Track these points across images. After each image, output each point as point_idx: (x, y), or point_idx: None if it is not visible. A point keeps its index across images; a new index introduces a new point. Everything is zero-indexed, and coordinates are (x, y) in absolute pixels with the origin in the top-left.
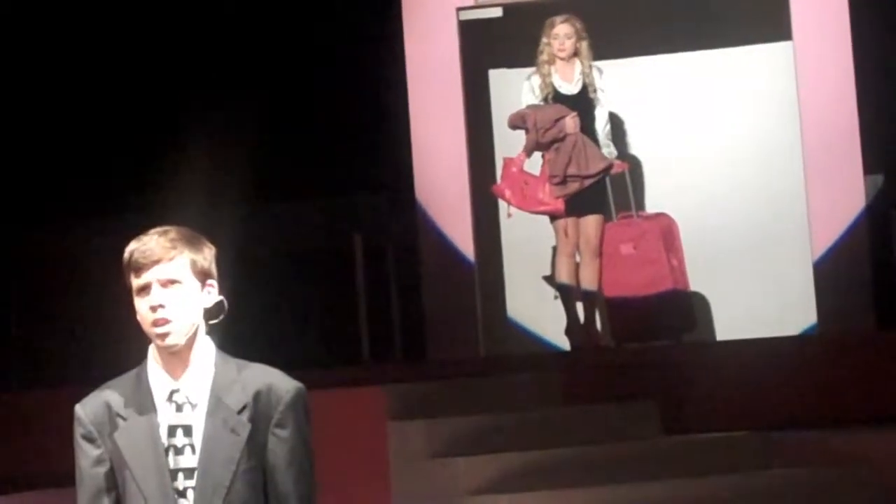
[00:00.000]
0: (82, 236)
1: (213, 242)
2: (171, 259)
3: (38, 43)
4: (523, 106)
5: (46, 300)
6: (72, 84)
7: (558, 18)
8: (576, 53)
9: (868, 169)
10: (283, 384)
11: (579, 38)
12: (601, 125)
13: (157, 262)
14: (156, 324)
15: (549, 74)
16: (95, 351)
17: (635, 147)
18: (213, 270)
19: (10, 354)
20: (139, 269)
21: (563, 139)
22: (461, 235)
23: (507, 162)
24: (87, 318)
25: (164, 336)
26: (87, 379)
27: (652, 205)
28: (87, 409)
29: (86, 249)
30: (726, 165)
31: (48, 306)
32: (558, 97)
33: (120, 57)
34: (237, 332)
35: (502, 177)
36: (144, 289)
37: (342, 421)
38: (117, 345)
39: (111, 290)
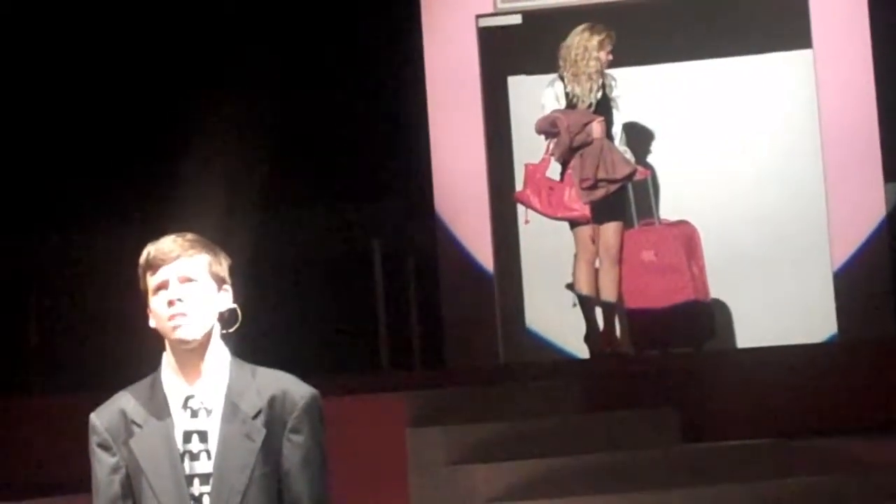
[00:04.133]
0: (100, 243)
1: (232, 249)
2: (190, 256)
3: (53, 53)
4: (545, 112)
5: (64, 306)
6: (91, 94)
7: (608, 35)
8: None
9: (888, 177)
10: (297, 390)
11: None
12: (617, 132)
13: (176, 258)
14: (172, 318)
15: (579, 82)
16: (114, 357)
17: (656, 154)
18: (228, 278)
19: (29, 360)
20: (157, 266)
21: (589, 143)
22: (480, 243)
23: (531, 168)
24: (106, 324)
25: (178, 327)
26: (105, 385)
27: (672, 212)
28: (102, 418)
29: (103, 256)
30: (746, 173)
31: (66, 312)
32: (581, 105)
33: (137, 65)
34: (256, 339)
35: (526, 183)
36: (162, 286)
37: (361, 428)
38: (136, 351)
39: (130, 297)
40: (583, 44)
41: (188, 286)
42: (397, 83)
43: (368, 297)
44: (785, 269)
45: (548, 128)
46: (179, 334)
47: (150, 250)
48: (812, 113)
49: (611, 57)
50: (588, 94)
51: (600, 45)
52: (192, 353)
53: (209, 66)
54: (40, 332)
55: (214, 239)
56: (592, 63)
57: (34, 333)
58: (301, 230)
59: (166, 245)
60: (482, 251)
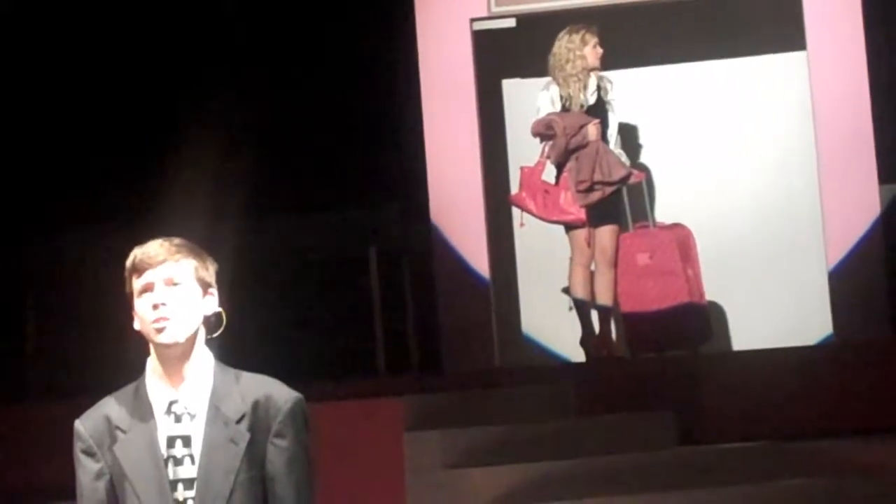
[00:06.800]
0: (100, 247)
1: (227, 254)
2: (176, 261)
3: (46, 58)
4: (540, 116)
5: (64, 312)
6: (87, 96)
7: (587, 30)
8: None
9: (883, 178)
10: (281, 394)
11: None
12: (612, 135)
13: (162, 262)
14: (155, 321)
15: (569, 85)
16: (113, 362)
17: (651, 157)
18: (214, 283)
19: (27, 366)
20: (143, 269)
21: (585, 146)
22: (475, 246)
23: (526, 171)
24: (105, 329)
25: (161, 330)
26: (104, 391)
27: (667, 215)
28: (86, 424)
29: (103, 261)
30: (741, 175)
31: (65, 318)
32: (574, 107)
33: (129, 69)
34: (252, 344)
35: (521, 186)
36: (146, 288)
37: (358, 432)
38: (132, 356)
39: (124, 302)
40: (565, 46)
41: (173, 290)
42: (392, 87)
43: (364, 301)
44: (780, 271)
45: (543, 130)
46: (162, 338)
47: (137, 254)
48: (806, 114)
49: (600, 50)
50: (579, 94)
51: (582, 42)
52: (175, 358)
53: (203, 70)
54: (36, 337)
55: (209, 244)
56: (579, 63)
57: (33, 339)
58: (296, 235)
59: (152, 249)
60: (478, 255)
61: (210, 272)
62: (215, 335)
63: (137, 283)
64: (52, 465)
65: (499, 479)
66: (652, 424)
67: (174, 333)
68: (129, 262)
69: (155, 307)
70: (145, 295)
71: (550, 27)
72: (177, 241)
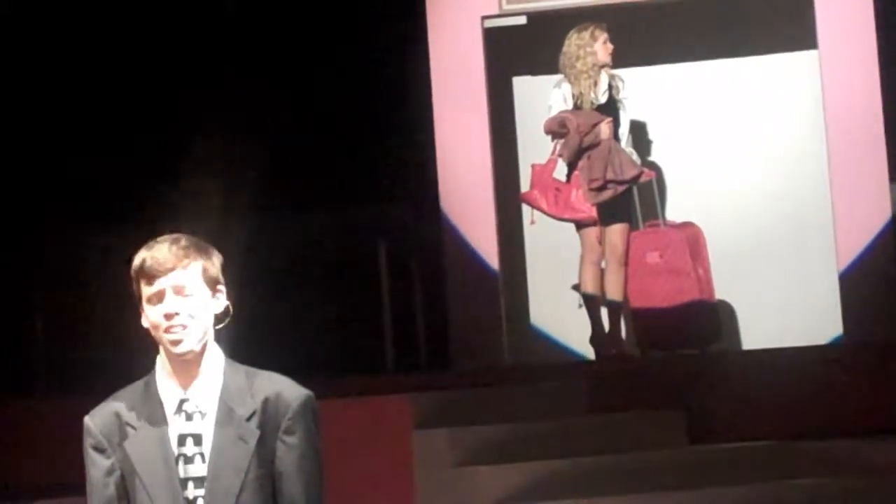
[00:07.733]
0: (108, 245)
1: (236, 251)
2: (184, 267)
3: (53, 59)
4: (552, 113)
5: (72, 309)
6: (91, 98)
7: (596, 27)
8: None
9: (894, 177)
10: (291, 392)
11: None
12: (624, 133)
13: (171, 269)
14: (170, 331)
15: (580, 82)
16: (121, 360)
17: (661, 156)
18: (221, 277)
19: (36, 363)
20: (152, 276)
21: (597, 145)
22: (485, 244)
23: (538, 169)
24: (113, 327)
25: (177, 343)
26: (112, 388)
27: (677, 214)
28: (96, 420)
29: (112, 259)
30: (752, 174)
31: (74, 316)
32: (584, 104)
33: (139, 64)
34: (261, 341)
35: (532, 183)
36: (157, 296)
37: (367, 429)
38: (143, 354)
39: (132, 298)
40: (574, 43)
41: (185, 297)
42: (403, 84)
43: (374, 298)
44: (790, 270)
45: (557, 128)
46: (179, 349)
47: (146, 258)
48: (818, 113)
49: (611, 46)
50: (590, 92)
51: (592, 38)
52: (189, 358)
53: (212, 66)
54: (47, 334)
55: (217, 241)
56: (589, 59)
57: (41, 336)
58: (306, 231)
59: (161, 254)
60: (488, 252)
61: (216, 267)
62: (221, 326)
63: (147, 290)
64: (59, 463)
65: (507, 478)
66: (661, 423)
67: (189, 344)
68: (136, 265)
69: (168, 317)
70: (156, 303)
71: (561, 25)
72: (183, 241)
